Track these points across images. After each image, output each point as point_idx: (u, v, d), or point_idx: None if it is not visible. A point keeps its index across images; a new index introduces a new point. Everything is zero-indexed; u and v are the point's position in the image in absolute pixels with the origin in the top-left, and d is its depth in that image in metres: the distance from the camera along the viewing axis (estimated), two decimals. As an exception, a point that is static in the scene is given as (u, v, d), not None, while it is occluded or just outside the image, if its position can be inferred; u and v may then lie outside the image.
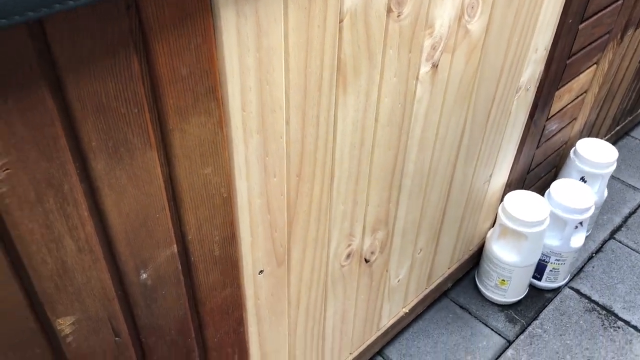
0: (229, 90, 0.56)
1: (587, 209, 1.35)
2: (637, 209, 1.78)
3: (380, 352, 1.32)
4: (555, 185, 1.39)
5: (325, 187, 0.79)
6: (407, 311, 1.29)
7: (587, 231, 1.64)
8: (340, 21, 0.64)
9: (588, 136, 1.69)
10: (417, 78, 0.82)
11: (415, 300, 1.31)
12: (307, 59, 0.63)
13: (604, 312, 1.46)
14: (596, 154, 1.47)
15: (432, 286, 1.34)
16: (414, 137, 0.91)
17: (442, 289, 1.41)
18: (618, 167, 1.93)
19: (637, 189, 1.85)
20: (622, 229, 1.71)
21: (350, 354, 1.18)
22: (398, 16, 0.71)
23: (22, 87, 0.42)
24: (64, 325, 0.56)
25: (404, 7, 0.71)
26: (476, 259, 1.48)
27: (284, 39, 0.59)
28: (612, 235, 1.68)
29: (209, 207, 0.63)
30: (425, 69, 0.82)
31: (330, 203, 0.82)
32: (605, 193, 1.57)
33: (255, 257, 0.75)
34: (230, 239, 0.68)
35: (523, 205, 1.30)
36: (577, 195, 1.37)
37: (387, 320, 1.25)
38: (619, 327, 1.42)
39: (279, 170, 0.69)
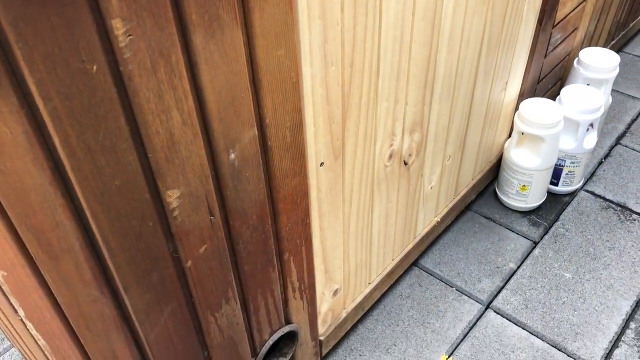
0: (297, -29, 0.62)
1: (598, 109, 1.42)
2: (638, 116, 1.86)
3: (415, 263, 1.41)
4: (565, 91, 1.46)
5: (373, 81, 0.85)
6: (439, 220, 1.36)
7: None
8: None
9: (589, 45, 1.75)
10: (446, -27, 0.87)
11: (445, 210, 1.38)
12: (357, -55, 0.68)
13: (619, 208, 1.54)
14: (599, 60, 1.54)
15: (459, 196, 1.42)
16: (444, 35, 0.96)
17: (467, 200, 1.48)
18: (616, 80, 2.00)
19: (637, 98, 1.93)
20: (627, 134, 1.79)
21: (392, 259, 1.25)
22: None
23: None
24: (172, 198, 0.62)
25: None
26: (495, 172, 1.56)
27: None
28: (618, 141, 1.76)
29: (282, 90, 0.68)
30: (452, -37, 0.87)
31: (376, 98, 0.88)
32: (610, 99, 1.64)
33: (318, 148, 0.81)
34: (299, 126, 0.74)
35: (538, 110, 1.37)
36: (586, 97, 1.44)
37: (422, 228, 1.32)
38: (634, 220, 1.51)
39: (335, 59, 0.75)
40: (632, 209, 1.54)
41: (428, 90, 1.01)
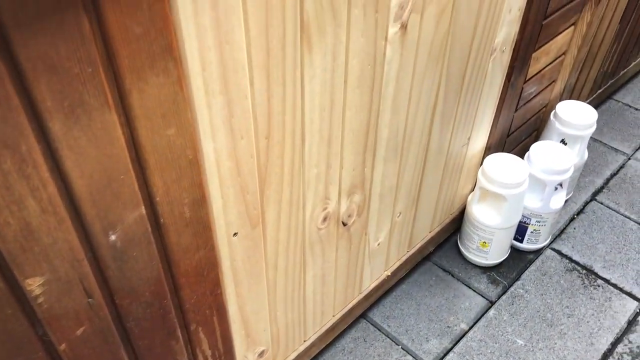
0: (187, 50, 0.57)
1: (566, 170, 1.37)
2: (618, 170, 1.80)
3: (363, 315, 1.35)
4: (534, 147, 1.40)
5: (297, 150, 0.80)
6: (389, 274, 1.31)
7: (568, 194, 1.66)
8: (300, -21, 0.64)
9: (569, 99, 1.69)
10: (386, 39, 0.82)
11: (397, 264, 1.33)
12: (267, 18, 0.63)
13: (585, 271, 1.48)
14: (576, 115, 1.48)
15: (414, 249, 1.36)
16: (386, 100, 0.91)
17: (424, 252, 1.43)
18: (600, 129, 1.94)
19: (619, 151, 1.87)
20: (604, 190, 1.73)
21: (333, 316, 1.20)
22: (361, -26, 0.71)
23: (-31, 45, 0.42)
24: (34, 285, 0.57)
25: (366, -35, 0.70)
26: (458, 223, 1.50)
27: (241, -3, 0.58)
28: (593, 197, 1.70)
29: (175, 168, 0.63)
30: (393, 29, 0.82)
31: (302, 166, 0.83)
32: (586, 155, 1.58)
33: (229, 219, 0.76)
34: (201, 201, 0.69)
35: (502, 167, 1.32)
36: (556, 156, 1.38)
37: (370, 283, 1.27)
38: (598, 286, 1.45)
39: (246, 132, 0.70)
40: (598, 273, 1.48)
41: (369, 154, 0.96)
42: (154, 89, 0.56)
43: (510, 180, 1.29)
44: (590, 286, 1.45)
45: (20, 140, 0.48)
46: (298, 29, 0.67)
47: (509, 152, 1.51)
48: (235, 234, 0.79)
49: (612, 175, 1.78)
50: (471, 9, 0.96)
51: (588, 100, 1.88)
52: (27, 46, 0.45)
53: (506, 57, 1.19)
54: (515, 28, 1.14)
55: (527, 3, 1.11)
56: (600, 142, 1.90)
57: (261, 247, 0.86)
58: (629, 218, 1.63)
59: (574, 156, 1.42)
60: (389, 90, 0.90)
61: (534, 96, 1.43)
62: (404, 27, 0.84)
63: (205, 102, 0.62)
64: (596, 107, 2.02)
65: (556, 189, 1.41)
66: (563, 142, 1.53)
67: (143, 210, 0.63)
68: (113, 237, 0.62)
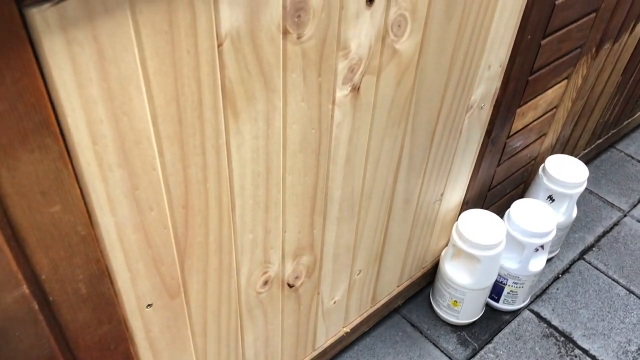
0: (70, 124, 0.50)
1: (547, 233, 1.28)
2: (611, 228, 1.70)
3: (320, 371, 1.27)
4: (515, 206, 1.32)
5: (225, 217, 0.73)
6: (348, 331, 1.23)
7: (554, 251, 1.57)
8: (219, 45, 0.57)
9: (563, 150, 1.61)
10: (334, 102, 0.75)
11: (358, 320, 1.25)
12: (177, 87, 0.56)
13: (563, 338, 1.39)
14: (565, 172, 1.40)
15: (379, 304, 1.28)
16: (337, 163, 0.84)
17: (392, 306, 1.35)
18: (597, 181, 1.85)
19: (615, 206, 1.77)
20: (594, 249, 1.63)
21: (281, 376, 1.13)
22: (298, 38, 0.64)
23: None
24: None
25: (304, 29, 0.64)
26: (431, 277, 1.42)
27: (140, 66, 0.52)
28: (581, 256, 1.61)
29: (64, 245, 0.57)
30: (342, 92, 0.75)
31: (234, 233, 0.76)
32: (574, 213, 1.49)
33: (140, 291, 0.69)
34: (100, 276, 0.62)
35: (477, 226, 1.24)
36: (538, 217, 1.29)
37: (325, 341, 1.19)
38: (576, 356, 1.36)
39: (156, 204, 0.63)
40: (577, 342, 1.39)
41: (318, 216, 0.89)
42: (29, 166, 0.49)
43: (484, 241, 1.21)
44: (567, 356, 1.35)
45: None
46: (219, 96, 0.61)
47: (490, 206, 1.43)
48: (149, 306, 0.72)
49: (605, 233, 1.68)
50: (440, 67, 0.89)
51: (586, 151, 1.79)
52: None
53: (485, 114, 1.11)
54: (496, 84, 1.06)
55: (510, 58, 1.04)
56: (596, 194, 1.81)
57: (184, 316, 0.79)
58: (616, 282, 1.53)
59: (557, 217, 1.34)
60: (339, 153, 0.83)
61: (521, 150, 1.35)
62: (355, 89, 0.77)
63: (100, 176, 0.55)
64: (595, 157, 1.92)
65: (537, 250, 1.32)
66: (551, 198, 1.44)
67: (25, 289, 0.56)
68: (-14, 320, 0.55)
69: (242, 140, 0.67)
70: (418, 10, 0.76)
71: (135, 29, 0.50)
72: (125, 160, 0.57)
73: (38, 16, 0.43)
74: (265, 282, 0.89)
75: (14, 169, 0.49)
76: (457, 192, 1.24)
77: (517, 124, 1.23)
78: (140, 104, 0.54)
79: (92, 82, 0.49)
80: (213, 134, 0.63)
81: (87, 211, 0.57)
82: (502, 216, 1.31)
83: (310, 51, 0.66)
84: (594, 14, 1.17)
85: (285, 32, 0.62)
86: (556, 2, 1.01)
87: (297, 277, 0.95)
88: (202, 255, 0.74)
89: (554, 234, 1.30)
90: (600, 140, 1.84)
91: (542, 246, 1.32)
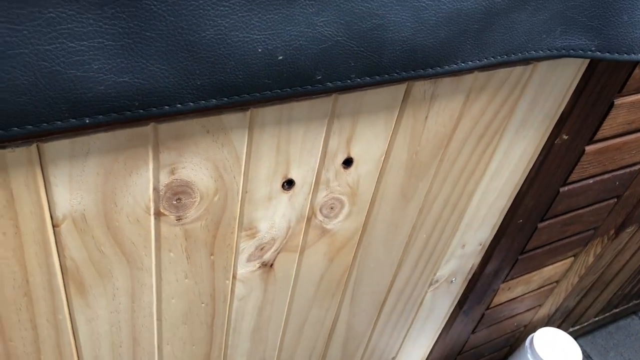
0: None
1: None
2: (605, 417, 1.48)
3: None
4: (483, 384, 1.14)
5: (72, 384, 0.61)
6: None
7: None
8: (56, 226, 0.46)
9: (564, 320, 1.41)
10: (235, 277, 0.63)
11: None
12: (-12, 267, 0.46)
13: None
14: (555, 352, 1.21)
15: None
16: (240, 333, 0.71)
17: None
18: (606, 352, 1.63)
19: (616, 391, 1.55)
20: None
21: None
22: (178, 219, 0.52)
23: None
24: None
25: (187, 211, 0.52)
26: None
27: None
28: None
29: None
30: (248, 269, 0.63)
31: (86, 397, 0.64)
32: (558, 399, 1.29)
33: None
34: None
35: (429, 401, 1.07)
36: (505, 404, 1.11)
37: None
38: None
39: (-38, 376, 0.52)
40: None
41: (212, 381, 0.76)
42: None
43: (432, 422, 1.04)
44: None
45: None
46: (57, 275, 0.50)
47: (461, 368, 1.25)
48: None
49: (596, 420, 1.46)
50: (392, 246, 0.75)
51: (597, 319, 1.58)
52: None
53: (457, 288, 0.96)
54: (473, 261, 0.91)
55: (495, 238, 0.89)
56: (600, 369, 1.59)
57: None
58: None
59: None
60: (243, 325, 0.70)
61: (505, 319, 1.18)
62: (267, 265, 0.64)
63: None
64: (611, 322, 1.70)
65: None
66: (533, 375, 1.25)
67: None
68: None
69: (95, 314, 0.56)
70: (359, 194, 0.64)
71: None
72: None
73: None
74: None
75: None
76: (415, 355, 1.08)
77: (500, 297, 1.07)
78: None
79: None
80: (48, 310, 0.52)
81: None
82: (465, 391, 1.14)
83: (197, 232, 0.55)
84: (615, 200, 1.01)
85: (158, 214, 0.51)
86: (561, 190, 0.86)
87: None
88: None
89: None
90: (617, 310, 1.63)
91: None
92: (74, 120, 0.38)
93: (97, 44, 0.36)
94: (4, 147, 0.40)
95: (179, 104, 0.41)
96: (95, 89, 0.37)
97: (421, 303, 0.93)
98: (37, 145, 0.41)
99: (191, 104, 0.42)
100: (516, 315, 1.19)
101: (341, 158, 0.58)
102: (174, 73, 0.40)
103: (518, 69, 0.63)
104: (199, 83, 0.41)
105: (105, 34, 0.36)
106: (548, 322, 1.35)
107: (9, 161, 0.40)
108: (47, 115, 0.37)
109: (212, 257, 0.58)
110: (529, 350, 1.24)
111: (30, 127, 0.37)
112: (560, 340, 1.24)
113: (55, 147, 0.41)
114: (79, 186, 0.44)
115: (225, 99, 0.43)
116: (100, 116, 0.39)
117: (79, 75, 0.36)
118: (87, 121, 0.38)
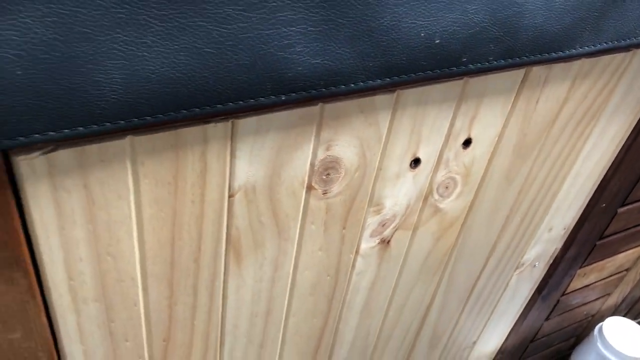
0: (45, 260, 0.47)
1: (588, 412, 1.12)
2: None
3: None
4: (557, 370, 1.17)
5: (211, 352, 0.67)
6: None
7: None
8: (231, 196, 0.52)
9: (629, 310, 1.43)
10: (357, 252, 0.68)
11: None
12: (174, 233, 0.52)
13: None
14: (625, 341, 1.23)
15: None
16: (352, 308, 0.76)
17: None
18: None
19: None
20: None
21: None
22: (324, 194, 0.58)
23: None
24: None
25: (332, 185, 0.58)
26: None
27: (134, 212, 0.48)
28: None
29: (22, 368, 0.53)
30: (369, 244, 0.68)
31: (220, 364, 0.70)
32: (628, 388, 1.31)
33: (103, 411, 0.64)
34: (58, 398, 0.58)
35: (508, 385, 1.10)
36: (580, 390, 1.14)
37: None
38: None
39: (133, 336, 0.58)
40: None
41: (322, 357, 0.81)
42: (-9, 296, 0.46)
43: (511, 404, 1.07)
44: None
45: None
46: (222, 243, 0.56)
47: (531, 356, 1.28)
48: None
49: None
50: (490, 227, 0.80)
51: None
52: None
53: (539, 272, 0.99)
54: (556, 246, 0.95)
55: (578, 223, 0.93)
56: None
57: None
58: None
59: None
60: (356, 299, 0.76)
61: (576, 307, 1.21)
62: (385, 242, 0.70)
63: (72, 308, 0.52)
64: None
65: None
66: (602, 364, 1.27)
67: (-28, 403, 0.53)
68: None
69: (243, 282, 0.62)
70: (472, 173, 0.69)
71: (135, 179, 0.46)
72: (104, 295, 0.53)
73: (24, 163, 0.40)
74: (250, 411, 0.82)
75: (-25, 297, 0.46)
76: (493, 341, 1.12)
77: (576, 284, 1.10)
78: (129, 246, 0.50)
79: (76, 224, 0.46)
80: (209, 277, 0.58)
81: (54, 339, 0.53)
82: (539, 377, 1.17)
83: (336, 206, 0.60)
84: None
85: (309, 188, 0.57)
86: (643, 174, 0.90)
87: (288, 408, 0.87)
88: (180, 383, 0.68)
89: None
90: (678, 303, 1.64)
91: (579, 422, 1.16)
92: (274, 97, 0.44)
93: (302, 29, 0.42)
94: (207, 122, 0.46)
95: (352, 83, 0.47)
96: (294, 70, 0.43)
97: (506, 287, 0.97)
98: (232, 122, 0.47)
99: (361, 83, 0.48)
100: (587, 303, 1.22)
101: (462, 138, 0.63)
102: (354, 55, 0.45)
103: (619, 56, 0.67)
104: (370, 64, 0.47)
105: (309, 21, 0.42)
106: (614, 312, 1.37)
107: (209, 135, 0.46)
108: (255, 93, 0.43)
109: (343, 230, 0.64)
110: (598, 339, 1.26)
111: (241, 102, 0.43)
112: (629, 329, 1.26)
113: (246, 123, 0.47)
114: (257, 160, 0.50)
115: (388, 79, 0.49)
116: (293, 94, 0.45)
117: (285, 57, 0.42)
118: (283, 98, 0.44)
